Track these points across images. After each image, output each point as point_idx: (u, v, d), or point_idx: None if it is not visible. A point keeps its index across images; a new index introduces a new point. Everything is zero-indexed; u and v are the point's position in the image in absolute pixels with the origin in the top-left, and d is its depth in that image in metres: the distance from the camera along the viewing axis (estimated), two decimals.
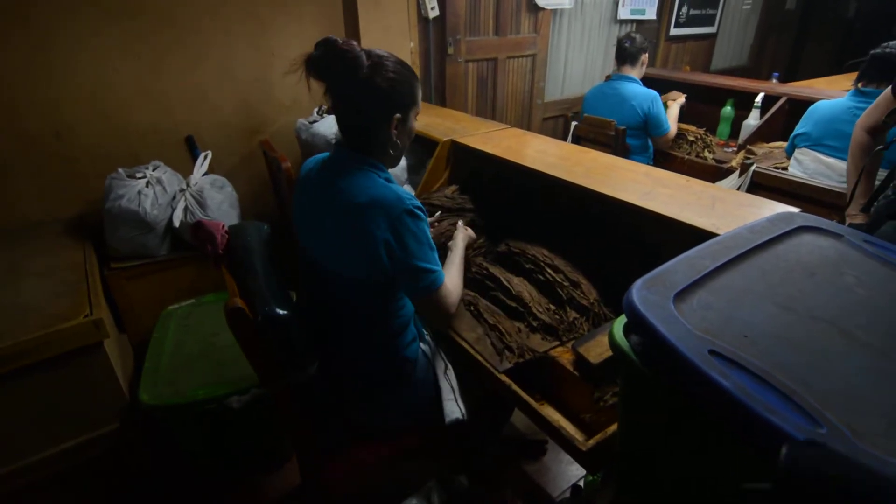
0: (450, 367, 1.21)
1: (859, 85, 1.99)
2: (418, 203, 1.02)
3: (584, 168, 1.48)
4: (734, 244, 0.79)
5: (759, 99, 2.67)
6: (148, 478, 1.56)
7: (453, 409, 1.13)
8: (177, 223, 1.78)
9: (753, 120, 2.67)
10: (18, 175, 1.78)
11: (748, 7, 4.45)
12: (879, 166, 1.68)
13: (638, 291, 0.67)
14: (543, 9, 2.96)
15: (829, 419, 0.51)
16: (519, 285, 1.28)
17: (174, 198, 1.83)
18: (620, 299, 0.70)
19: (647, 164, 2.48)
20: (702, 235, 1.07)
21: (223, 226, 1.19)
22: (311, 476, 1.28)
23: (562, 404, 1.06)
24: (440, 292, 1.05)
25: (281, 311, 1.00)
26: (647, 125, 2.54)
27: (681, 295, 0.68)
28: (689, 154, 2.64)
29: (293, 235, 1.18)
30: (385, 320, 1.13)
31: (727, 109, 2.86)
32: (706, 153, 2.62)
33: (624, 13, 3.43)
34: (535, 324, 1.20)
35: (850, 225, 1.62)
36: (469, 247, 1.40)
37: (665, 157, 2.67)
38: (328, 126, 2.05)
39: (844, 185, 1.79)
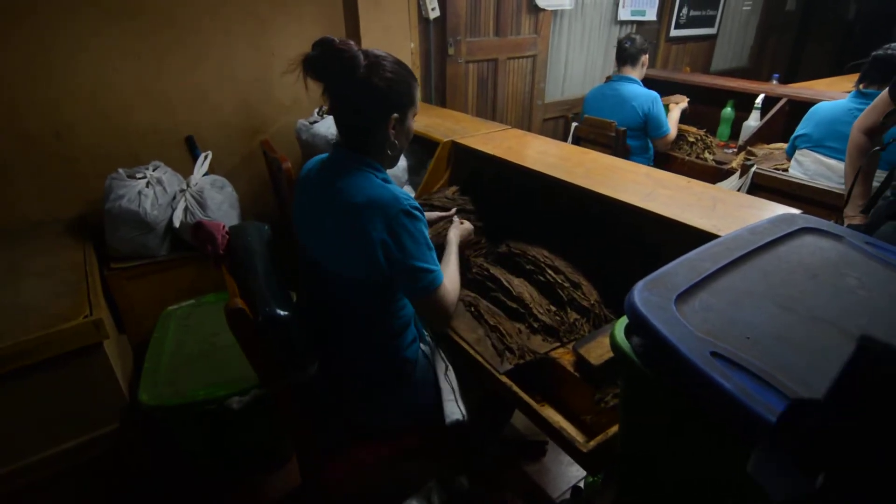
0: (450, 367, 1.21)
1: (861, 86, 1.99)
2: (415, 203, 1.02)
3: (585, 169, 1.48)
4: (735, 245, 0.79)
5: (759, 100, 2.67)
6: (148, 478, 1.56)
7: (454, 409, 1.13)
8: (177, 223, 1.78)
9: (754, 121, 2.67)
10: (19, 175, 1.78)
11: (748, 8, 4.45)
12: (877, 167, 1.68)
13: (639, 293, 0.67)
14: (544, 10, 2.96)
15: None
16: (519, 286, 1.28)
17: (174, 198, 1.83)
18: (621, 300, 0.70)
19: (648, 165, 2.48)
20: (703, 237, 1.07)
21: (223, 226, 1.19)
22: (312, 476, 1.28)
23: (562, 405, 1.06)
24: (439, 292, 1.05)
25: (281, 312, 1.00)
26: (647, 126, 2.54)
27: (682, 296, 0.68)
28: (689, 155, 2.64)
29: (293, 236, 1.18)
30: (385, 321, 1.13)
31: (727, 111, 2.86)
32: (706, 154, 2.62)
33: (624, 14, 3.43)
34: (535, 325, 1.20)
35: (849, 226, 1.62)
36: (467, 239, 1.39)
37: (665, 158, 2.67)
38: (328, 126, 2.05)
39: (844, 187, 1.79)
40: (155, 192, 1.77)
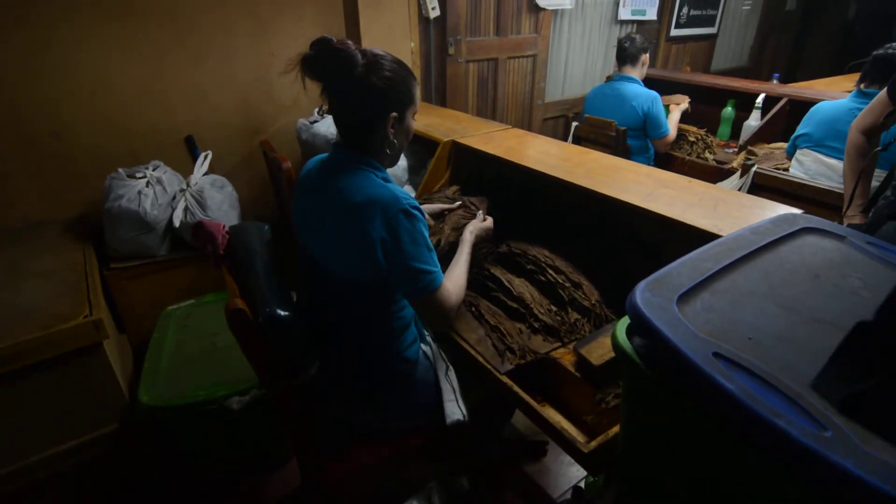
0: (451, 368, 1.21)
1: (862, 86, 1.99)
2: (415, 203, 1.02)
3: (586, 169, 1.48)
4: (737, 246, 0.78)
5: (759, 100, 2.67)
6: (148, 478, 1.56)
7: (454, 410, 1.13)
8: (177, 223, 1.77)
9: (754, 121, 2.67)
10: (18, 175, 1.78)
11: (748, 8, 4.45)
12: (875, 167, 1.68)
13: (641, 294, 0.67)
14: (544, 9, 2.96)
15: (834, 422, 0.51)
16: (520, 286, 1.28)
17: (174, 198, 1.82)
18: (622, 300, 0.70)
19: (648, 165, 2.48)
20: (704, 237, 1.07)
21: (224, 226, 1.19)
22: (312, 476, 1.28)
23: (563, 406, 1.06)
24: (438, 294, 1.04)
25: (282, 313, 0.99)
26: (646, 126, 2.54)
27: (684, 297, 0.68)
28: (689, 155, 2.64)
29: (293, 236, 1.18)
30: (385, 321, 1.13)
31: (728, 110, 2.85)
32: (707, 154, 2.62)
33: (624, 14, 3.43)
34: (536, 325, 1.19)
35: (849, 226, 1.62)
36: (485, 238, 1.36)
37: (666, 157, 2.67)
38: (328, 126, 2.05)
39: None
40: (155, 192, 1.77)
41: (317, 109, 2.19)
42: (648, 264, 0.82)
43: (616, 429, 0.91)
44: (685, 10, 3.83)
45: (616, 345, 0.71)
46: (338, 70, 0.98)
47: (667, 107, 2.64)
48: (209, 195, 1.83)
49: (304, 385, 1.11)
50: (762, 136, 2.63)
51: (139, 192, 1.74)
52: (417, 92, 1.09)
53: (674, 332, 0.61)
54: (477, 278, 1.35)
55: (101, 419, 1.42)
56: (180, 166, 1.97)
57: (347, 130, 1.07)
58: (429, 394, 1.18)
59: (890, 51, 1.91)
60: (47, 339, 1.26)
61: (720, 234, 1.06)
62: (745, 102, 2.78)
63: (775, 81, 3.37)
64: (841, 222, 1.68)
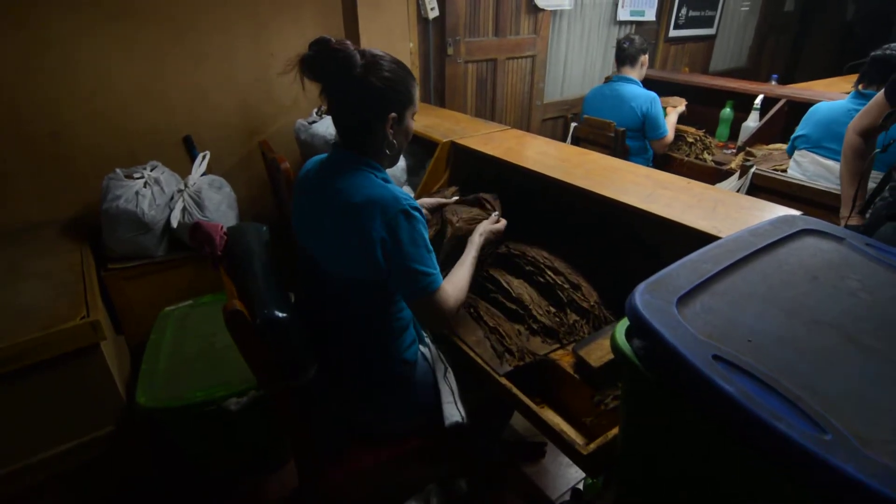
0: (449, 369, 1.21)
1: (860, 87, 1.99)
2: (415, 203, 1.01)
3: (585, 170, 1.48)
4: (736, 247, 0.78)
5: (758, 101, 2.67)
6: (146, 480, 1.56)
7: (453, 412, 1.13)
8: (174, 224, 1.77)
9: (753, 122, 2.67)
10: (18, 175, 1.77)
11: (747, 8, 4.46)
12: (872, 168, 1.68)
13: (641, 296, 0.67)
14: (543, 10, 2.96)
15: (834, 425, 0.51)
16: (519, 287, 1.28)
17: (172, 198, 1.82)
18: (621, 301, 0.70)
19: (647, 166, 2.48)
20: (703, 238, 1.07)
21: (222, 227, 1.19)
22: (310, 478, 1.27)
23: (562, 407, 1.06)
24: (436, 296, 1.03)
25: (280, 314, 0.99)
26: (645, 126, 2.54)
27: (684, 299, 0.67)
28: (688, 156, 2.64)
29: (292, 236, 1.18)
30: (384, 322, 1.12)
31: (726, 111, 2.86)
32: (705, 155, 2.62)
33: (623, 14, 3.43)
34: (535, 326, 1.19)
35: (847, 227, 1.62)
36: (495, 239, 1.33)
37: (664, 158, 2.67)
38: (327, 126, 2.04)
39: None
40: (152, 193, 1.76)
41: (315, 110, 2.19)
42: (647, 266, 0.82)
43: (615, 431, 0.91)
44: (684, 10, 3.84)
45: (615, 347, 0.71)
46: (336, 70, 0.98)
47: (664, 109, 2.64)
48: (207, 196, 1.83)
49: (302, 386, 1.11)
50: (761, 137, 2.63)
51: (137, 193, 1.73)
52: (416, 92, 1.08)
53: (673, 334, 0.61)
54: (476, 280, 1.34)
55: (99, 421, 1.42)
56: (179, 166, 1.96)
57: (346, 131, 1.07)
58: (427, 395, 1.18)
59: (888, 51, 1.91)
60: (44, 341, 1.25)
61: (719, 235, 1.06)
62: (743, 103, 2.78)
63: (774, 82, 3.38)
64: (838, 224, 1.68)
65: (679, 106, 2.73)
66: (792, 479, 0.53)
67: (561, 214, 1.51)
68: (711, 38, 4.25)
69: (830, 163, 2.00)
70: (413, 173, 2.11)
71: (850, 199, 1.63)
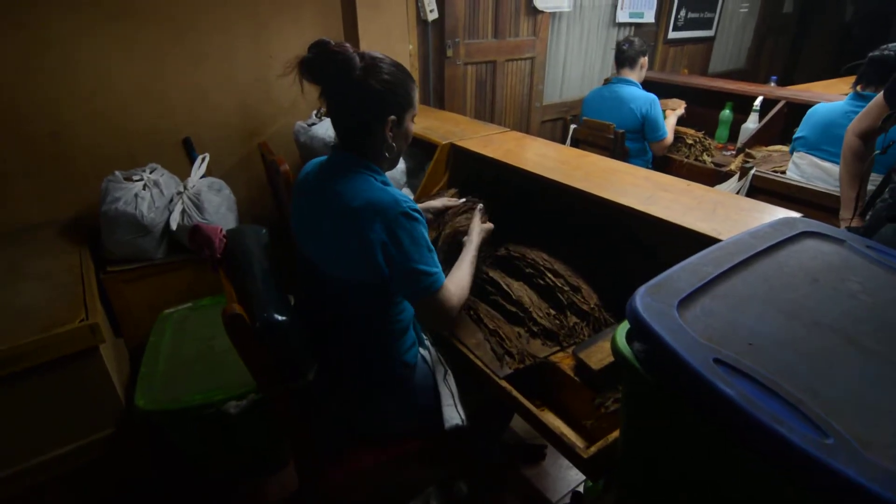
0: (449, 372, 1.20)
1: (858, 88, 1.99)
2: (414, 205, 1.01)
3: (584, 172, 1.48)
4: (737, 250, 0.78)
5: (757, 102, 2.67)
6: (145, 482, 1.55)
7: (453, 414, 1.13)
8: (174, 226, 1.77)
9: (752, 123, 2.67)
10: (17, 175, 1.77)
11: (745, 10, 4.46)
12: (871, 170, 1.68)
13: (641, 298, 0.67)
14: (542, 12, 2.96)
15: (836, 429, 0.51)
16: (519, 290, 1.28)
17: (171, 200, 1.82)
18: (621, 304, 0.70)
19: (646, 167, 2.48)
20: (703, 240, 1.07)
21: (221, 229, 1.19)
22: (309, 480, 1.27)
23: (563, 410, 1.06)
24: (439, 295, 1.03)
25: (279, 317, 0.99)
26: (644, 128, 2.54)
27: (684, 302, 0.67)
28: (687, 157, 2.64)
29: (291, 239, 1.17)
30: (384, 324, 1.12)
31: (726, 113, 2.86)
32: (705, 157, 2.62)
33: (622, 16, 3.43)
34: (535, 329, 1.19)
35: (847, 229, 1.62)
36: (486, 239, 1.34)
37: (664, 160, 2.67)
38: (326, 129, 2.04)
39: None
40: (152, 195, 1.76)
41: (315, 112, 2.19)
42: (647, 268, 0.82)
43: (615, 434, 0.91)
44: (683, 12, 3.84)
45: (616, 350, 0.71)
46: (336, 73, 0.98)
47: (663, 112, 2.65)
48: (206, 198, 1.82)
49: (302, 389, 1.10)
50: (760, 138, 2.63)
51: (136, 195, 1.73)
52: (416, 95, 1.08)
53: (674, 337, 0.61)
54: (475, 282, 1.34)
55: (98, 423, 1.41)
56: (178, 168, 1.96)
57: (346, 133, 1.07)
58: (427, 399, 1.18)
59: (886, 52, 1.91)
60: (43, 343, 1.25)
61: (719, 237, 1.06)
62: (742, 105, 2.78)
63: (773, 84, 3.38)
64: (838, 226, 1.68)
65: (678, 109, 2.73)
66: (793, 483, 0.53)
67: (560, 216, 1.51)
68: (710, 39, 4.26)
69: (828, 165, 2.00)
70: (413, 175, 2.11)
71: (851, 201, 1.63)
